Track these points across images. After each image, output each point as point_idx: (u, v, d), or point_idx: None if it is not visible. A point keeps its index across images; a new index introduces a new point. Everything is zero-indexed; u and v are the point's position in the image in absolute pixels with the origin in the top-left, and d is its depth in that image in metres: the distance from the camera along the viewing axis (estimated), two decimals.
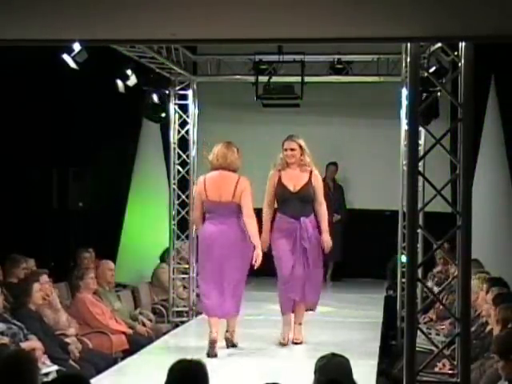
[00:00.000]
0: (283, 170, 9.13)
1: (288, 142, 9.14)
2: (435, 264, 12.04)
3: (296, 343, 9.13)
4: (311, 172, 9.19)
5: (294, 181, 9.11)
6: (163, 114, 11.16)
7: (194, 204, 9.24)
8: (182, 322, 11.23)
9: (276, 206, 9.24)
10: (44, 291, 8.69)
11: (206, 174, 8.94)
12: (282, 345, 9.08)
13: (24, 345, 7.66)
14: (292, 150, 9.09)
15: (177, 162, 11.70)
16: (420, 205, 6.32)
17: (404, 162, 10.73)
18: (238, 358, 8.51)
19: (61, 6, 4.88)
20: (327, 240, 9.13)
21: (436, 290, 9.43)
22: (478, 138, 12.75)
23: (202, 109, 12.07)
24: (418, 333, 6.09)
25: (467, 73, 5.94)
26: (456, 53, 6.17)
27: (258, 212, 9.04)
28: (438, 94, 8.03)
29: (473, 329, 7.32)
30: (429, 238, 6.26)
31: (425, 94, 7.97)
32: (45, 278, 8.78)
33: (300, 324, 9.24)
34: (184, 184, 11.72)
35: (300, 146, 9.12)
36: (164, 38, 6.67)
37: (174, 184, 11.71)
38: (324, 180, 14.39)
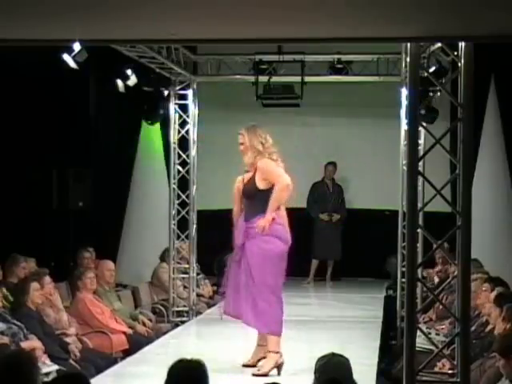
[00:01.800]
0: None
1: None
2: (435, 264, 12.03)
3: (253, 374, 7.81)
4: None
5: (247, 178, 8.13)
6: (162, 113, 11.17)
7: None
8: (182, 322, 11.24)
9: None
10: (47, 292, 8.71)
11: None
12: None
13: (24, 344, 7.67)
14: (241, 144, 8.08)
15: (177, 161, 11.70)
16: (420, 205, 6.32)
17: (404, 162, 10.74)
18: (239, 358, 8.50)
19: (61, 5, 4.89)
20: (261, 222, 7.80)
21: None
22: (478, 138, 12.76)
23: (202, 109, 12.08)
24: (418, 332, 6.10)
25: (467, 73, 5.94)
26: (456, 53, 6.18)
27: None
28: (438, 93, 8.05)
29: (472, 328, 7.33)
30: (429, 238, 6.26)
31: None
32: (47, 279, 8.79)
33: (269, 352, 7.85)
34: (184, 184, 11.72)
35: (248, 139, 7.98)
36: (164, 38, 6.67)
37: (174, 184, 11.71)
38: (322, 180, 14.45)
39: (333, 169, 14.44)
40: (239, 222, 8.09)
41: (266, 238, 7.87)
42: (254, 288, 7.85)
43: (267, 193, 7.88)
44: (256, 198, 7.92)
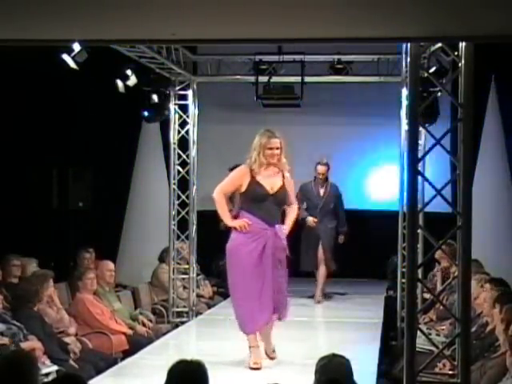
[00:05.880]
0: None
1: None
2: (435, 264, 12.01)
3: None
4: None
5: None
6: (163, 114, 11.18)
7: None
8: (182, 323, 11.23)
9: None
10: (50, 293, 8.72)
11: None
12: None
13: (24, 345, 7.67)
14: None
15: (177, 162, 11.70)
16: (420, 205, 6.31)
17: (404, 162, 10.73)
18: (239, 359, 8.49)
19: (60, 5, 4.88)
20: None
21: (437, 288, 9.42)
22: (478, 138, 12.76)
23: (202, 109, 12.07)
24: (419, 333, 6.09)
25: (467, 73, 5.93)
26: (456, 53, 6.17)
27: None
28: (438, 94, 8.03)
29: (473, 329, 7.31)
30: (429, 238, 6.25)
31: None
32: (51, 282, 8.80)
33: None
34: (184, 184, 11.72)
35: None
36: (164, 38, 6.66)
37: (174, 184, 11.71)
38: (313, 180, 13.92)
39: (321, 168, 12.47)
40: None
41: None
42: None
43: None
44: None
